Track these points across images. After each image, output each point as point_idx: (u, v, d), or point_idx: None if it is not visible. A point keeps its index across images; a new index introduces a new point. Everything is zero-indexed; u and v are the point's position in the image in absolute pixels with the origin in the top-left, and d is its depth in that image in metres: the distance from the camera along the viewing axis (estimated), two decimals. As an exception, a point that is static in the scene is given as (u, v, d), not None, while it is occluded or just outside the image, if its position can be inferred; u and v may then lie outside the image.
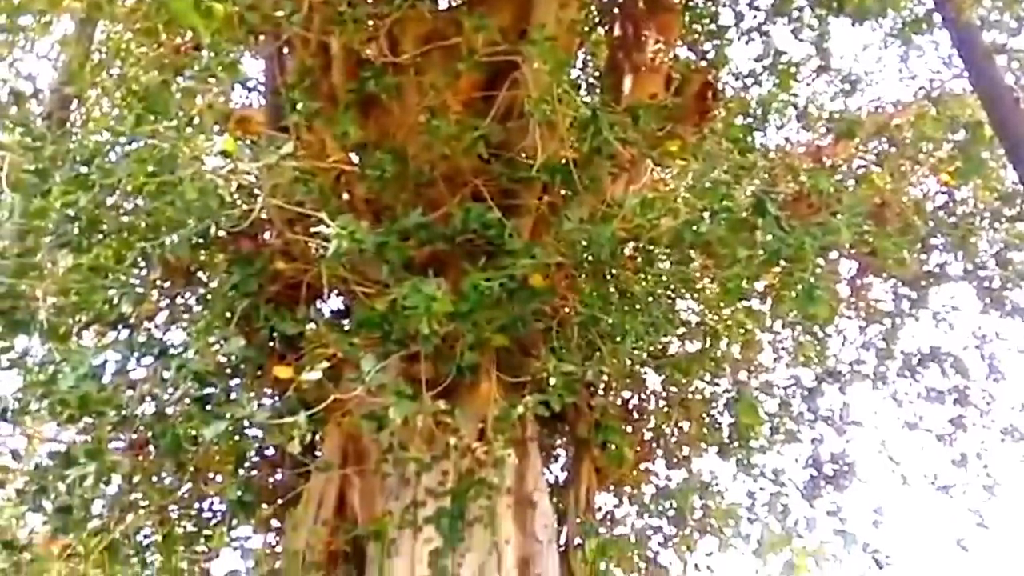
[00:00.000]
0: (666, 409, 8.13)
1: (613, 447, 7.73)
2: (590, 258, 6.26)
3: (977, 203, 8.95)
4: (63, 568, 5.17)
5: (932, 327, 9.31)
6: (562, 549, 7.01)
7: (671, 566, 7.82)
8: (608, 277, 6.76)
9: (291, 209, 5.47)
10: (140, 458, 6.18)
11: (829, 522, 7.18)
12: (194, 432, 5.20)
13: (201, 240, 6.14)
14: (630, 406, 8.35)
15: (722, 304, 7.30)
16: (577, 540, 7.07)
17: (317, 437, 6.88)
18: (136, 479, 6.27)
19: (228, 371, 6.16)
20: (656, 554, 7.88)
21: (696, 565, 7.92)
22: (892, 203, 7.92)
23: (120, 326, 6.29)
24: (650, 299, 6.49)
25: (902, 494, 8.72)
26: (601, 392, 7.52)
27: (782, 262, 6.24)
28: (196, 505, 7.04)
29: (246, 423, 5.35)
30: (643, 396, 8.42)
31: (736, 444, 8.22)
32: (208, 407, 5.20)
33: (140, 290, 5.85)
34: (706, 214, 5.91)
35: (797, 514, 7.30)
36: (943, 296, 9.17)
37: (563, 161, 6.13)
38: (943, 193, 9.17)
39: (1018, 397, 9.26)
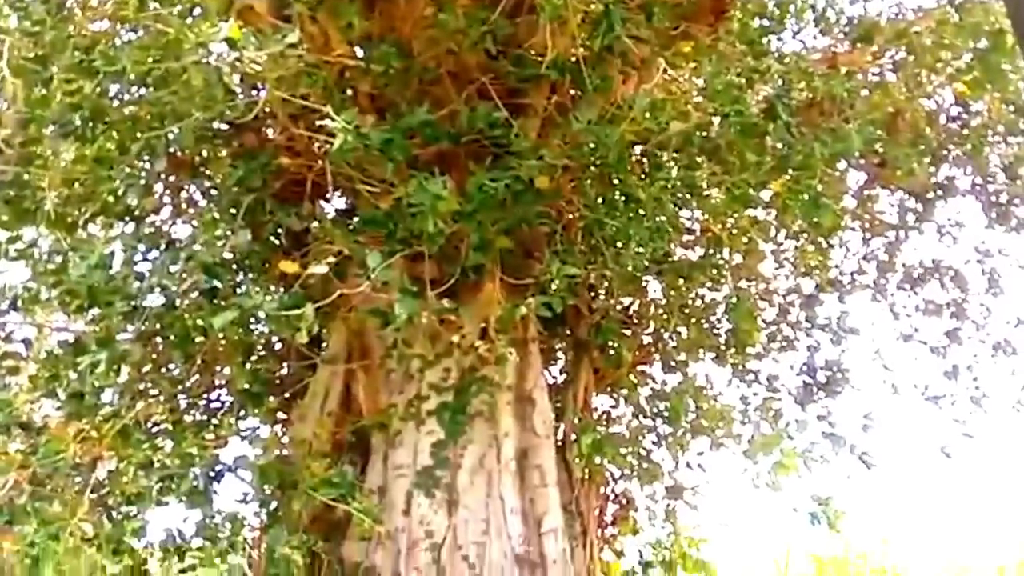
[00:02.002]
0: (665, 315, 8.24)
1: (612, 349, 7.89)
2: (597, 161, 6.21)
3: (991, 116, 8.79)
4: (77, 450, 5.35)
5: (935, 241, 9.32)
6: (559, 445, 7.26)
7: (663, 463, 8.10)
8: (614, 181, 6.71)
9: (295, 102, 5.39)
10: (149, 348, 6.32)
11: (819, 426, 7.38)
12: (202, 323, 5.30)
13: (206, 132, 6.08)
14: (630, 311, 8.46)
15: (727, 212, 7.26)
16: (574, 436, 7.30)
17: (323, 332, 7.01)
18: (146, 369, 6.43)
19: (235, 265, 6.22)
20: (649, 452, 8.15)
21: (688, 463, 8.21)
22: (905, 113, 7.76)
23: (127, 218, 6.31)
24: (655, 204, 6.45)
25: (892, 402, 8.94)
26: (602, 296, 7.60)
27: (791, 169, 6.22)
28: (205, 395, 7.25)
29: (254, 315, 5.42)
30: (643, 301, 8.52)
31: (733, 350, 8.37)
32: (216, 299, 5.27)
33: (146, 182, 5.82)
34: (717, 118, 5.84)
35: (788, 418, 7.50)
36: (949, 210, 9.14)
37: (573, 59, 5.99)
38: (958, 104, 9.00)
39: (1015, 312, 9.36)
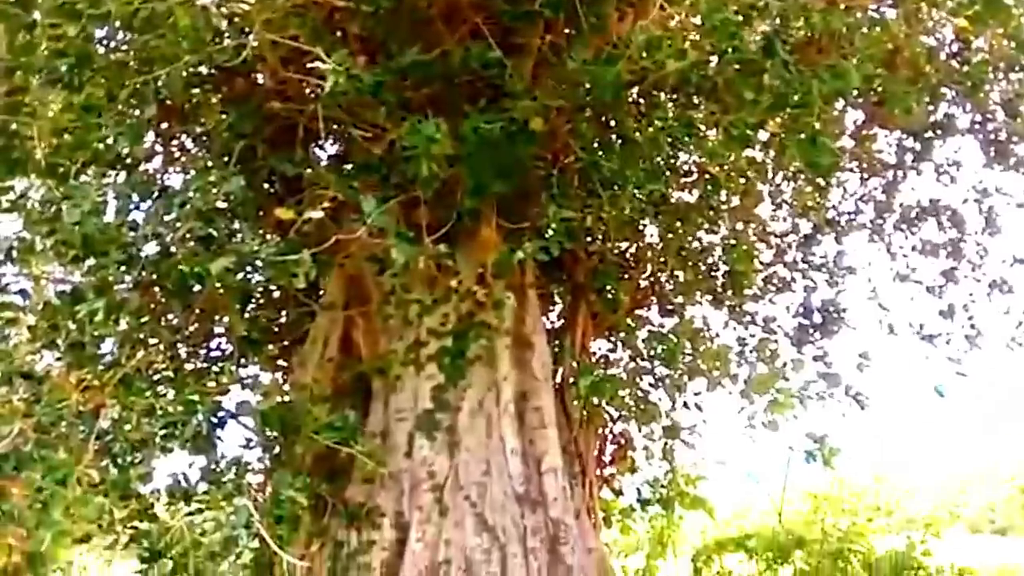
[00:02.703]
0: (662, 258, 8.25)
1: (609, 293, 7.92)
2: (593, 102, 6.11)
3: (992, 52, 8.66)
4: (80, 398, 5.38)
5: (933, 180, 9.28)
6: (558, 387, 7.34)
7: (661, 404, 8.21)
8: (610, 122, 6.64)
9: (285, 43, 5.29)
10: (147, 298, 6.31)
11: (815, 366, 7.46)
12: (199, 270, 5.28)
13: (195, 78, 5.98)
14: (627, 255, 8.47)
15: (725, 152, 7.20)
16: (572, 379, 7.37)
17: (321, 279, 7.01)
18: (145, 318, 6.42)
19: (229, 212, 6.17)
20: (647, 393, 8.25)
21: (685, 404, 8.32)
22: (904, 50, 7.64)
23: (118, 167, 6.24)
24: (652, 146, 6.39)
25: (888, 342, 9.02)
26: (599, 240, 7.58)
27: (788, 108, 6.14)
28: (205, 344, 7.28)
29: (251, 262, 5.41)
30: (640, 245, 8.52)
31: (730, 292, 8.41)
32: (212, 246, 5.24)
33: (136, 130, 5.74)
34: (714, 56, 5.74)
35: (785, 358, 7.56)
36: (947, 149, 9.08)
37: (567, -3, 5.86)
38: (958, 40, 8.85)
39: (1011, 251, 9.39)
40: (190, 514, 5.44)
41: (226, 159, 5.81)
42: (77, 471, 4.79)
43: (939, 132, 8.69)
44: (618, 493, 8.48)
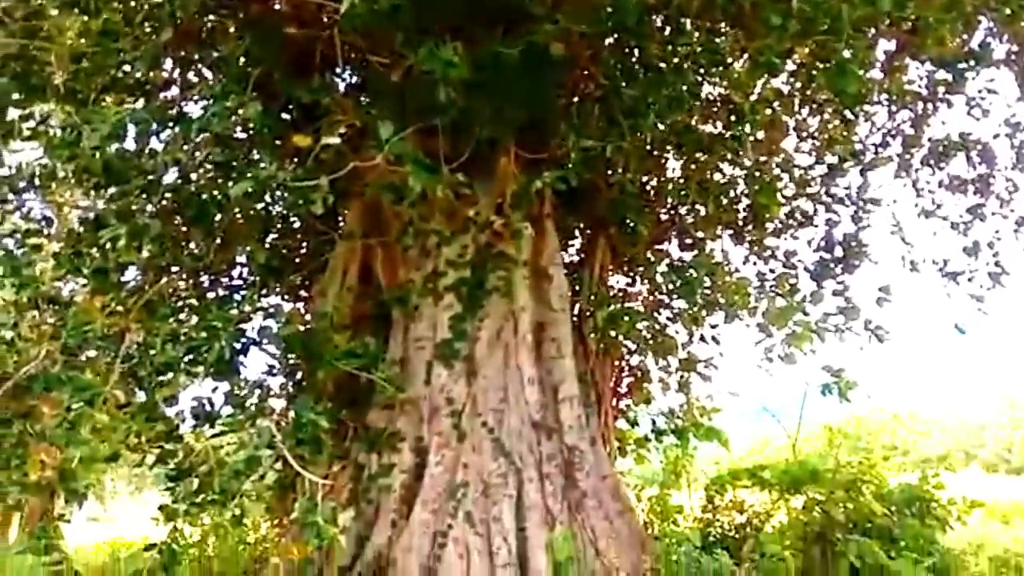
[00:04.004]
0: (683, 191, 8.14)
1: (629, 226, 7.87)
2: (615, 27, 5.97)
3: (1033, -23, 8.30)
4: (105, 322, 5.49)
5: (964, 114, 9.02)
6: (575, 319, 7.37)
7: (678, 336, 8.24)
8: (633, 49, 6.49)
9: (301, -35, 5.18)
10: (170, 227, 6.36)
11: (835, 301, 7.38)
12: (218, 196, 5.31)
13: (211, 1, 5.90)
14: (648, 187, 8.38)
15: (750, 81, 7.03)
16: (589, 311, 7.40)
17: (340, 209, 7.03)
18: (167, 245, 6.49)
19: (247, 138, 6.17)
20: (664, 327, 8.27)
21: (703, 337, 8.34)
22: (941, -27, 7.35)
23: (137, 93, 6.22)
24: (675, 73, 6.24)
25: (909, 278, 8.93)
26: (619, 172, 7.49)
27: (816, 35, 5.96)
28: (227, 272, 7.36)
29: (269, 188, 5.41)
30: (661, 178, 8.42)
31: (751, 226, 8.33)
32: (230, 172, 5.26)
33: (153, 54, 5.69)
34: (740, -22, 5.56)
35: (804, 292, 7.51)
36: (980, 81, 8.80)
37: (590, -83, 5.67)
38: (997, -35, 8.50)
39: (1042, 187, 9.16)
40: (214, 436, 5.58)
41: (243, 85, 5.76)
42: (104, 392, 4.90)
43: (973, 63, 8.40)
44: (633, 423, 8.59)
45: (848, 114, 8.40)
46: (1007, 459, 35.97)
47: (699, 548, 5.99)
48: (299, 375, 6.79)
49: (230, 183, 5.09)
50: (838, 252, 8.06)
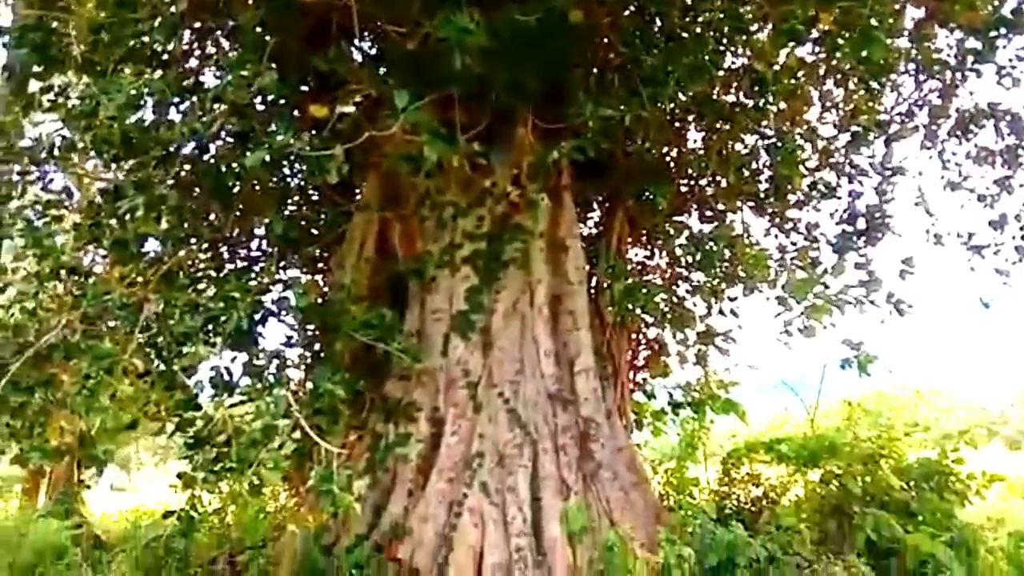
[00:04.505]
0: (704, 162, 8.03)
1: (648, 198, 7.79)
2: (634, -6, 5.87)
3: (1070, -60, 8.03)
4: (124, 292, 5.53)
5: (993, 83, 8.82)
6: (592, 291, 7.34)
7: (696, 308, 8.17)
8: (654, 17, 6.37)
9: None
10: (188, 200, 6.39)
11: (857, 274, 7.28)
12: (236, 166, 5.31)
13: (226, -30, 5.86)
14: (668, 158, 8.27)
15: (773, 50, 6.88)
16: (606, 283, 7.36)
17: (357, 180, 7.02)
18: (185, 216, 6.52)
19: (264, 109, 6.14)
20: (682, 299, 8.21)
21: (721, 310, 8.27)
22: (972, -63, 7.13)
23: (154, 63, 6.21)
24: (696, 41, 6.14)
25: (933, 252, 8.78)
26: (639, 142, 7.40)
27: (841, 1, 5.82)
28: (245, 243, 7.39)
29: (285, 157, 5.40)
30: (681, 149, 8.31)
31: (773, 198, 8.20)
32: (247, 142, 5.24)
33: (171, 23, 5.67)
34: (764, -58, 5.42)
35: (825, 265, 7.41)
36: (1011, 49, 8.56)
37: None
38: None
39: (1073, 158, 8.94)
40: (232, 405, 5.63)
41: (259, 55, 5.73)
42: (123, 361, 4.95)
43: (1004, 30, 8.17)
44: (650, 396, 8.56)
45: (873, 84, 8.22)
46: (1031, 436, 35.61)
47: (714, 520, 5.98)
48: (317, 346, 6.82)
49: (247, 154, 5.06)
50: (861, 224, 7.93)
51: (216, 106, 5.23)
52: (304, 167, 5.56)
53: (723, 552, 5.43)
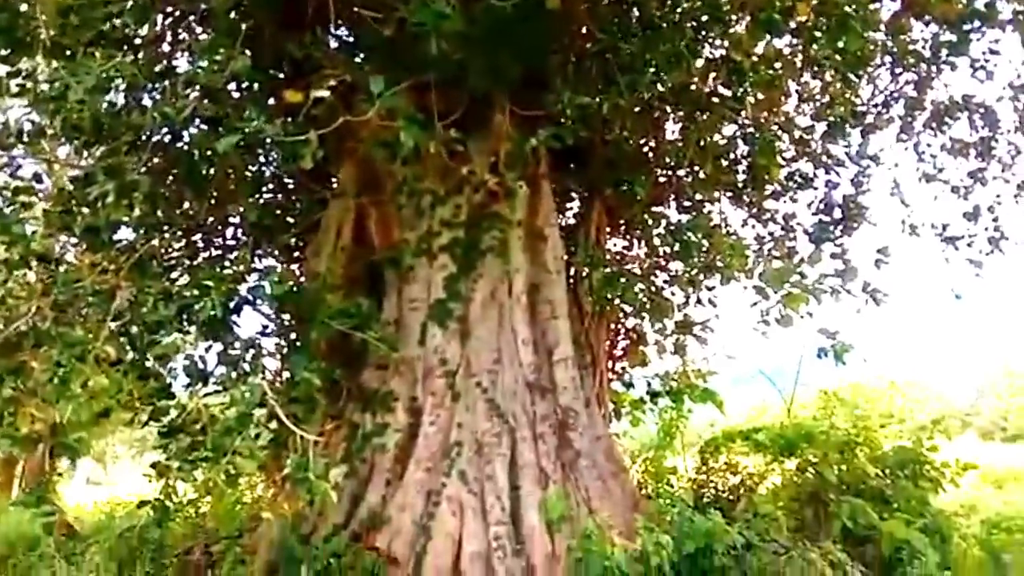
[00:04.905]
0: (682, 152, 8.03)
1: (626, 188, 7.78)
2: (612, -19, 5.85)
3: (1042, -66, 8.12)
4: (95, 280, 5.44)
5: (968, 76, 8.89)
6: (571, 280, 7.33)
7: (674, 298, 8.19)
8: (631, 5, 6.36)
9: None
10: (161, 187, 6.29)
11: (833, 264, 7.33)
12: (209, 152, 5.23)
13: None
14: (646, 148, 8.27)
15: (751, 40, 6.88)
16: (585, 272, 7.35)
17: (333, 168, 6.95)
18: (158, 204, 6.42)
19: (237, 94, 6.06)
20: (661, 289, 8.22)
21: (699, 299, 8.30)
22: (948, -71, 7.19)
23: (126, 47, 6.10)
24: (674, 30, 6.12)
25: (908, 242, 8.88)
26: (617, 131, 7.39)
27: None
28: (219, 231, 7.29)
29: (259, 142, 5.33)
30: (659, 139, 8.30)
31: (750, 188, 8.24)
32: (220, 127, 5.16)
33: (142, 5, 5.57)
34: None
35: (803, 254, 7.45)
36: (985, 42, 8.66)
37: None
38: (1005, -79, 8.31)
39: (1045, 150, 9.06)
40: (207, 395, 5.56)
41: (233, 40, 5.65)
42: (95, 349, 4.87)
43: (978, 23, 8.25)
44: (628, 386, 8.58)
45: (850, 75, 8.26)
46: (1003, 427, 36.19)
47: (692, 508, 6.00)
48: (293, 335, 6.76)
49: (220, 140, 4.99)
50: (837, 214, 7.99)
51: (189, 91, 5.15)
52: (278, 153, 5.49)
53: (701, 539, 5.44)
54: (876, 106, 8.76)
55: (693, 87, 6.81)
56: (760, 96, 7.97)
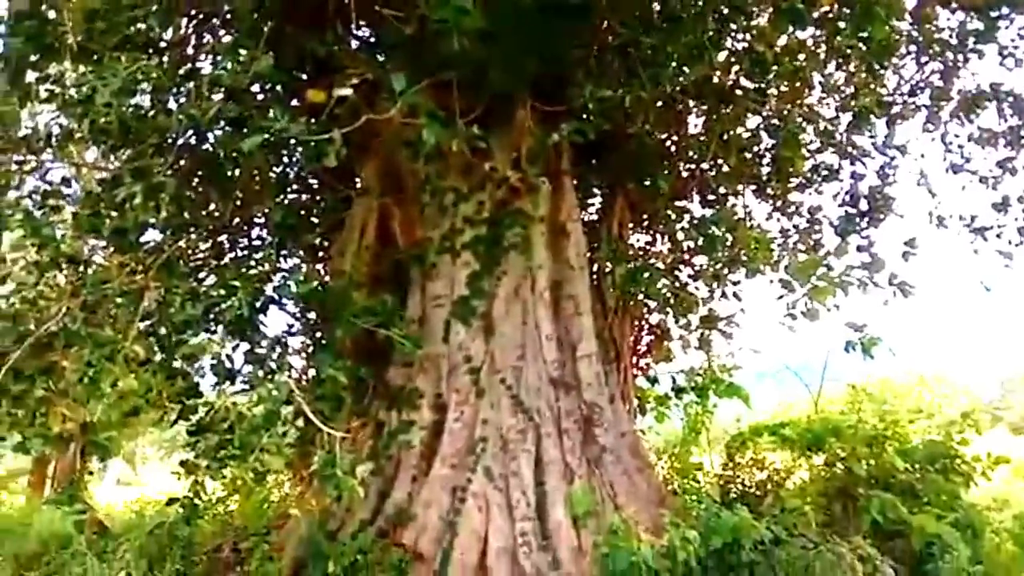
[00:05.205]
0: (704, 147, 7.99)
1: (649, 182, 7.75)
2: (634, -26, 5.82)
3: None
4: (124, 280, 5.51)
5: (996, 64, 8.75)
6: (594, 276, 7.31)
7: (698, 292, 8.14)
8: (652, -3, 6.32)
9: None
10: (186, 185, 6.36)
11: (859, 256, 7.25)
12: (234, 153, 5.27)
13: (221, -45, 5.81)
14: (669, 142, 8.23)
15: (774, 32, 6.82)
16: (608, 268, 7.32)
17: (356, 167, 6.98)
18: (184, 205, 6.49)
19: (260, 94, 6.11)
20: (685, 284, 8.18)
21: (724, 294, 8.23)
22: (974, -86, 7.08)
23: (151, 50, 6.17)
24: (697, 22, 6.08)
25: (935, 234, 8.75)
26: (639, 125, 7.35)
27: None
28: (245, 232, 7.36)
29: (284, 142, 5.37)
30: (682, 133, 8.26)
31: (774, 181, 8.16)
32: (244, 127, 5.20)
33: (166, 8, 5.63)
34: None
35: (828, 247, 7.38)
36: (1014, 29, 8.51)
37: None
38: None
39: (1076, 139, 8.88)
40: (235, 393, 5.61)
41: (255, 40, 5.69)
42: (124, 348, 4.93)
43: (1006, 9, 8.11)
44: (653, 381, 8.54)
45: (875, 65, 8.16)
46: (1035, 422, 35.56)
47: (719, 504, 5.96)
48: (318, 334, 6.81)
49: (245, 140, 5.04)
50: (863, 206, 7.89)
51: (213, 92, 5.20)
52: (303, 153, 5.51)
53: (728, 534, 5.40)
54: (902, 95, 8.63)
55: (716, 79, 6.76)
56: (784, 88, 7.91)
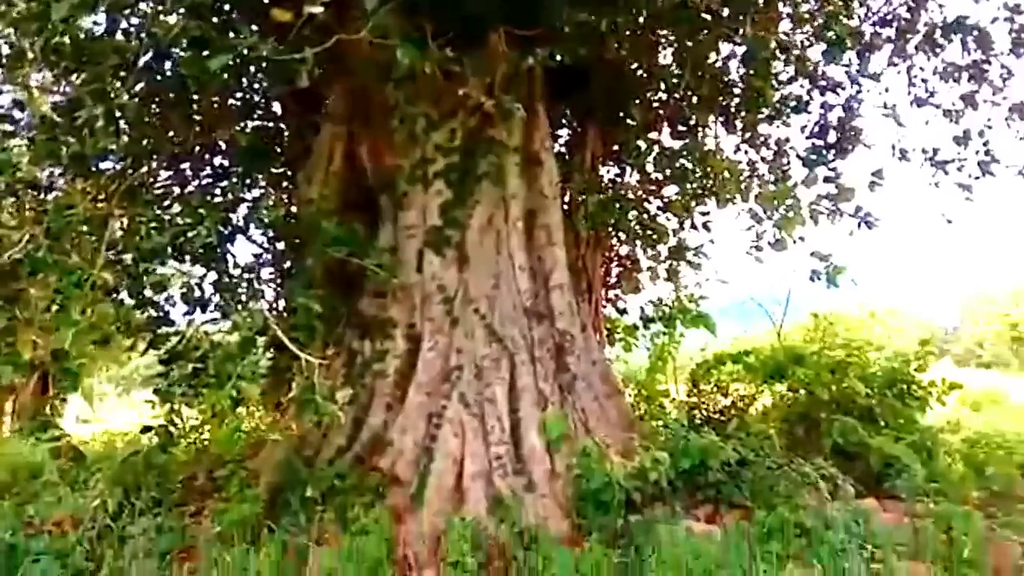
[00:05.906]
0: (677, 77, 7.93)
1: (620, 114, 7.69)
2: None
3: None
4: (87, 207, 5.34)
5: (962, -4, 8.77)
6: (566, 206, 7.29)
7: (668, 223, 8.19)
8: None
9: None
10: (147, 109, 6.13)
11: (827, 187, 7.34)
12: (198, 75, 5.08)
13: None
14: (641, 73, 8.15)
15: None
16: (580, 198, 7.31)
17: (324, 92, 6.79)
18: (146, 131, 6.27)
19: (225, 12, 5.86)
20: (655, 216, 8.22)
21: (693, 224, 8.31)
22: None
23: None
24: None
25: (899, 167, 8.89)
26: (615, 50, 7.25)
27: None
28: (208, 159, 7.15)
29: (250, 61, 5.17)
30: (654, 63, 8.17)
31: (744, 112, 8.16)
32: (209, 47, 5.00)
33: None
34: None
35: (797, 178, 7.45)
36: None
37: None
38: None
39: (1037, 73, 9.01)
40: (206, 322, 5.54)
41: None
42: (92, 276, 4.81)
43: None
44: (622, 312, 8.65)
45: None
46: (978, 354, 37.01)
47: (685, 428, 6.13)
48: (288, 264, 6.72)
49: (210, 60, 4.84)
50: (831, 138, 7.94)
51: (175, 9, 4.98)
52: (270, 74, 5.32)
53: (696, 456, 5.56)
54: (873, 25, 8.62)
55: (689, 5, 6.66)
56: (756, 17, 7.83)
